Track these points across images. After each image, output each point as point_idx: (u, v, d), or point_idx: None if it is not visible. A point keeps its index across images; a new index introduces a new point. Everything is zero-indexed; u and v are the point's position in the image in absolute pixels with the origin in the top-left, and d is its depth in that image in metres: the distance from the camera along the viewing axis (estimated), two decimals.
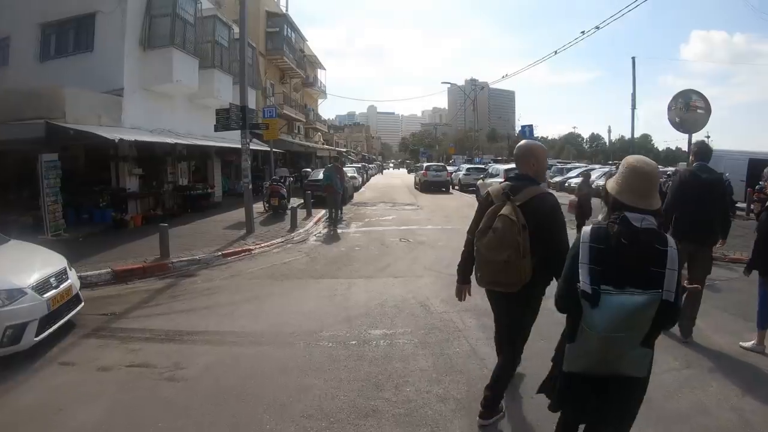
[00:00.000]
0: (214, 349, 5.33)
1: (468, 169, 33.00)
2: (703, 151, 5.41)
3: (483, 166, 35.96)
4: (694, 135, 11.78)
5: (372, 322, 6.16)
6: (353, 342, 5.45)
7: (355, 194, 26.87)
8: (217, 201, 21.56)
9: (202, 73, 18.85)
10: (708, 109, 12.00)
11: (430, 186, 30.51)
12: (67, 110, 12.21)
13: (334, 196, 15.39)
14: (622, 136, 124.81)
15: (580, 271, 2.26)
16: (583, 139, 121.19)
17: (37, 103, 12.14)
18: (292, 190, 22.70)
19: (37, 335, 5.04)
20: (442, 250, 10.67)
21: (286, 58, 33.79)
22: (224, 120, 12.21)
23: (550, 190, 3.92)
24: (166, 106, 17.74)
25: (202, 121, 19.99)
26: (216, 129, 12.78)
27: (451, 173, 33.38)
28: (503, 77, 56.83)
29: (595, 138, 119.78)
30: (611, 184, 2.48)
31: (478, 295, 4.14)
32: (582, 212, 11.61)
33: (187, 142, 17.10)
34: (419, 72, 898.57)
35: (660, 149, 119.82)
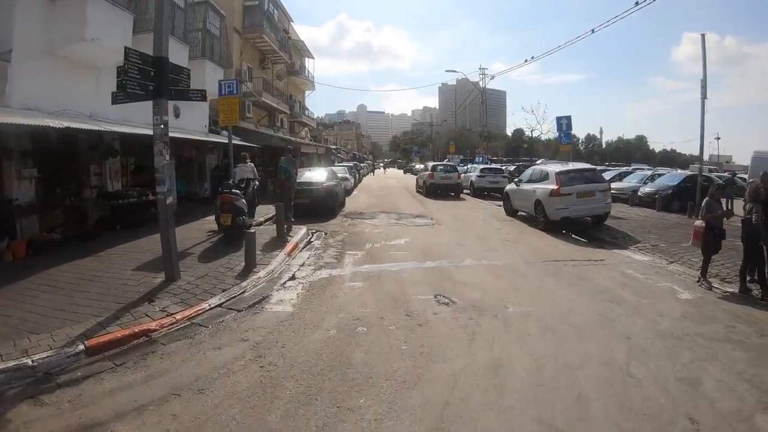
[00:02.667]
0: None
1: (483, 171, 27.81)
2: None
3: (499, 167, 30.86)
4: None
5: None
6: None
7: (347, 199, 21.51)
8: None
9: (140, 39, 13.56)
10: None
11: (438, 190, 25.47)
12: None
13: (288, 194, 12.64)
14: (620, 137, 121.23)
15: None
16: (578, 139, 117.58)
17: None
18: (265, 196, 17.52)
19: None
20: (540, 332, 5.75)
21: (266, 37, 28.44)
22: (124, 82, 6.89)
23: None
24: (88, 82, 12.51)
25: (147, 105, 14.84)
26: (115, 100, 7.49)
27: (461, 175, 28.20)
28: (491, 77, 51.71)
29: (590, 139, 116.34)
30: None
31: None
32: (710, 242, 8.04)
33: (117, 130, 11.79)
34: (409, 71, 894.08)
35: (656, 150, 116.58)
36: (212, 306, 6.57)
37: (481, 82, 44.07)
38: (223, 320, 6.14)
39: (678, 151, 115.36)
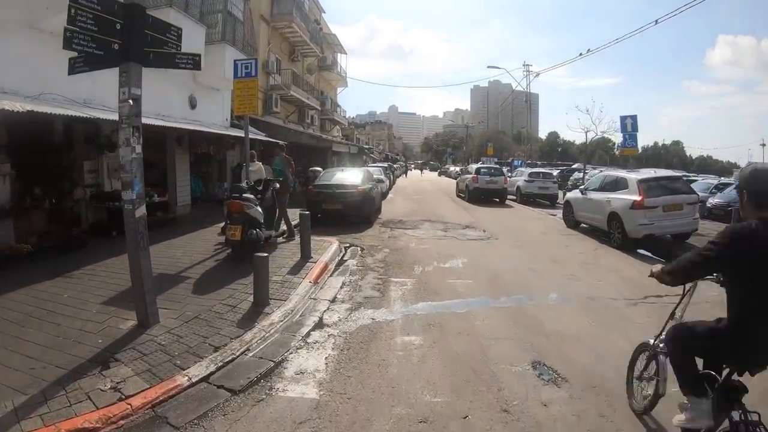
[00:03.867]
0: None
1: (531, 175, 25.06)
2: None
3: (548, 171, 28.06)
4: None
5: None
6: None
7: (382, 204, 19.01)
8: (182, 213, 14.18)
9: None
10: None
11: (482, 195, 22.96)
12: None
13: (282, 198, 10.66)
14: (656, 143, 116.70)
15: None
16: (613, 144, 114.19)
17: None
18: (292, 200, 15.25)
19: None
20: None
21: (296, 27, 26.22)
22: (71, 36, 4.56)
23: None
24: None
25: (155, 93, 12.75)
26: (72, 69, 5.20)
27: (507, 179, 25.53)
28: (536, 75, 48.70)
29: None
30: None
31: None
32: None
33: (103, 117, 9.60)
34: (440, 72, 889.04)
35: (693, 157, 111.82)
36: (194, 380, 4.18)
37: (524, 80, 41.13)
38: (206, 414, 3.74)
39: (714, 158, 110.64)
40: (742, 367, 2.77)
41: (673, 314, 3.54)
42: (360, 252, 10.10)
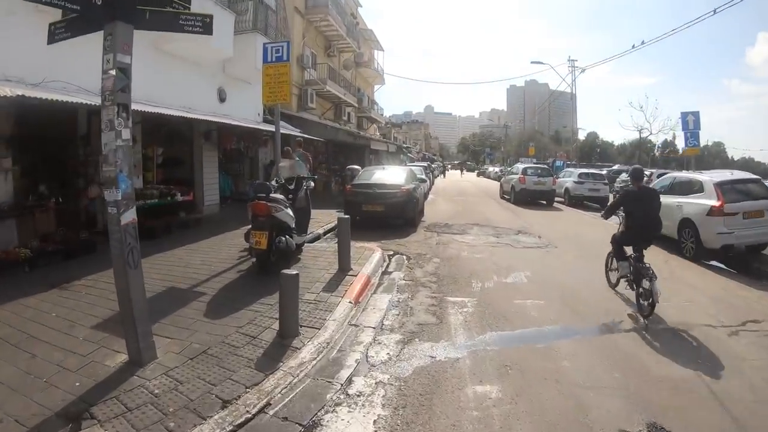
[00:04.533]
0: None
1: (581, 176, 23.22)
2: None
3: (599, 172, 26.16)
4: None
5: None
6: None
7: (425, 205, 17.54)
8: (209, 214, 13.13)
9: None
10: None
11: (529, 197, 21.26)
12: None
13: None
14: (695, 144, 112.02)
15: None
16: (654, 145, 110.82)
17: None
18: (328, 199, 14.03)
19: None
20: None
21: (332, 20, 25.02)
22: None
23: None
24: (97, 51, 9.32)
25: (181, 85, 11.71)
26: (52, 38, 4.06)
27: (556, 180, 23.75)
28: (581, 70, 46.39)
29: (667, 145, 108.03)
30: None
31: None
32: None
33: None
34: (478, 72, 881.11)
35: (735, 158, 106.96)
36: None
37: (569, 76, 39.07)
38: None
39: (756, 159, 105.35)
40: (635, 246, 6.47)
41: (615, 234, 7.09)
42: (406, 262, 8.74)
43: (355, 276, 6.98)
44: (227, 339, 4.62)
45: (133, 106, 8.82)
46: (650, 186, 13.72)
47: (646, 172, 27.83)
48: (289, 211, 7.20)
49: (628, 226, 6.65)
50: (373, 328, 5.36)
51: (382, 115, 45.78)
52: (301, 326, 4.87)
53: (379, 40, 40.13)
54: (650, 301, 5.60)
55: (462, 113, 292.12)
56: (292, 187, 8.06)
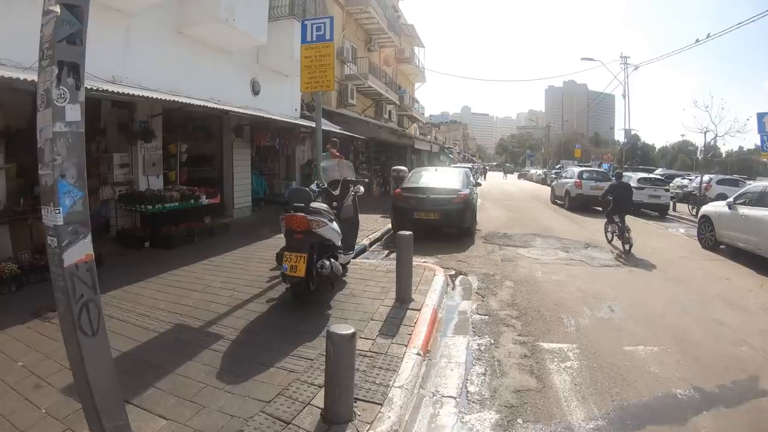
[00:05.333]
0: None
1: (641, 181, 20.97)
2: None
3: (660, 177, 23.88)
4: None
5: None
6: None
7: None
8: (239, 218, 11.80)
9: None
10: None
11: (584, 203, 19.38)
12: None
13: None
14: (741, 147, 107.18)
15: None
16: (696, 148, 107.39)
17: None
18: (368, 203, 12.52)
19: None
20: None
21: (373, 12, 23.53)
22: None
23: None
24: (112, 34, 8.28)
25: (210, 74, 10.38)
26: None
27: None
28: (634, 68, 43.45)
29: (710, 148, 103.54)
30: None
31: None
32: None
33: (137, 94, 7.17)
34: (515, 71, 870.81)
35: None
36: None
37: (622, 73, 36.62)
38: None
39: None
40: (618, 215, 10.76)
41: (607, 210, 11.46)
42: (475, 286, 7.08)
43: (418, 310, 5.37)
44: (248, 425, 3.09)
45: (153, 95, 7.48)
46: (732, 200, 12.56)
47: (696, 177, 25.76)
48: (335, 225, 5.63)
49: (612, 204, 11.04)
50: (455, 398, 3.73)
51: (422, 114, 44.13)
52: (355, 400, 3.30)
53: (420, 36, 38.43)
54: (629, 245, 10.02)
55: (499, 114, 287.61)
56: (336, 192, 6.50)
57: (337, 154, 11.75)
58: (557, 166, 60.88)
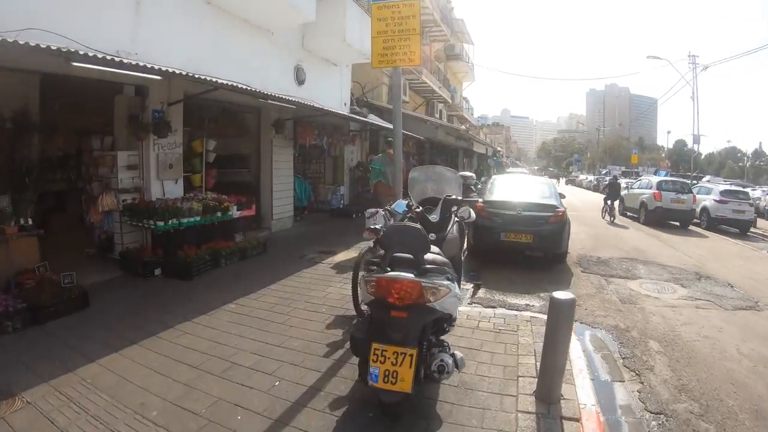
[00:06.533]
0: None
1: (724, 194, 17.88)
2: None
3: (742, 189, 20.84)
4: None
5: None
6: None
7: None
8: (279, 230, 9.79)
9: None
10: None
11: (663, 217, 16.94)
12: None
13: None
14: None
15: None
16: (743, 154, 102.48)
17: None
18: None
19: None
20: None
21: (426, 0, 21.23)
22: None
23: None
24: (118, 5, 6.05)
25: (246, 57, 8.51)
26: None
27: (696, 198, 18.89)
28: (704, 68, 39.97)
29: (758, 154, 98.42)
30: None
31: None
32: None
33: (158, 69, 5.05)
34: (558, 72, 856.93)
35: None
36: None
37: (690, 73, 33.40)
38: None
39: None
40: (611, 201, 17.16)
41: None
42: (616, 352, 4.78)
43: (578, 420, 3.10)
44: None
45: (166, 69, 5.37)
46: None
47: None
48: (457, 290, 3.29)
49: (608, 194, 16.87)
50: None
51: (471, 114, 41.66)
52: None
53: (469, 32, 35.89)
54: (612, 217, 16.57)
55: (539, 118, 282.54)
56: (434, 217, 4.20)
57: (393, 153, 9.71)
58: (604, 172, 57.67)
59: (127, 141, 6.77)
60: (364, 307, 3.77)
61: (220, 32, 8.10)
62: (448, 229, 4.25)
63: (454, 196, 4.52)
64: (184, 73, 5.68)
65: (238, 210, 7.52)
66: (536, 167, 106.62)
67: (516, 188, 9.43)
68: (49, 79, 6.05)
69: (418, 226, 3.23)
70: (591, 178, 49.11)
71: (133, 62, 5.10)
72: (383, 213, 5.83)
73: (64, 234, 7.75)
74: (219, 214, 7.06)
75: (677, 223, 17.00)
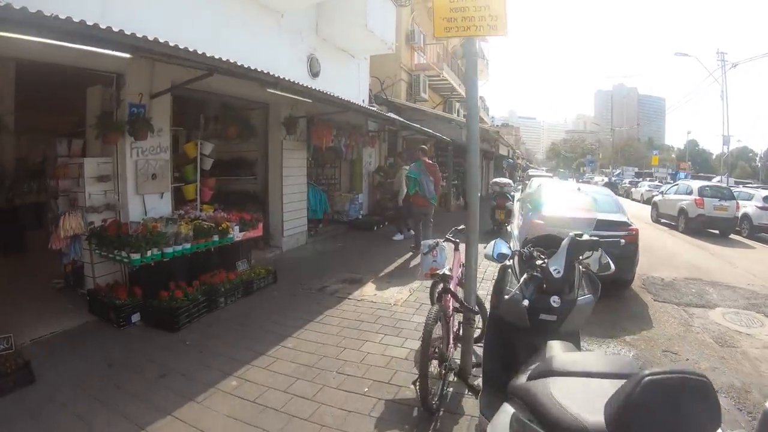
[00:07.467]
0: None
1: (767, 200, 16.68)
2: None
3: None
4: None
5: None
6: None
7: None
8: (290, 250, 8.29)
9: None
10: None
11: (705, 225, 15.58)
12: None
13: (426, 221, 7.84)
14: None
15: None
16: (755, 154, 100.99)
17: None
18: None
19: None
20: None
21: None
22: None
23: None
24: None
25: (244, 36, 7.21)
26: None
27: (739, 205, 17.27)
28: (732, 66, 38.24)
29: None
30: None
31: None
32: None
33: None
34: (564, 72, 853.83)
35: None
36: None
37: (719, 70, 31.74)
38: None
39: None
40: None
41: None
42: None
43: None
44: None
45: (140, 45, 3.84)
46: None
47: None
48: None
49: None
50: None
51: (488, 113, 40.12)
52: None
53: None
54: None
55: (546, 119, 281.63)
56: (557, 271, 2.62)
57: (430, 163, 8.34)
58: (616, 173, 55.97)
59: (100, 145, 5.23)
60: None
61: (221, 10, 6.59)
62: (576, 285, 2.67)
63: (585, 236, 2.94)
64: (162, 41, 4.10)
65: (240, 231, 5.94)
66: (545, 168, 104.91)
67: (572, 200, 7.86)
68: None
69: (705, 379, 1.38)
70: (605, 179, 47.37)
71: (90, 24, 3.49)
72: (444, 245, 4.29)
73: (40, 255, 6.26)
74: (216, 238, 5.49)
75: (716, 231, 15.58)
